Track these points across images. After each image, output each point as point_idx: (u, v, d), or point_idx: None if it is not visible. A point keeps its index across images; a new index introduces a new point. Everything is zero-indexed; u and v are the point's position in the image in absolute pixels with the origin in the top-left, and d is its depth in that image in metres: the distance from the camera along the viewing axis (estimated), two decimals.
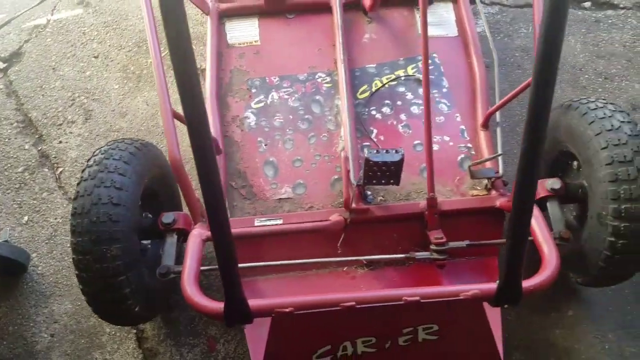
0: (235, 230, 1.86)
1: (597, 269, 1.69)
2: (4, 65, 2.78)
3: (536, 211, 1.72)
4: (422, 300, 1.42)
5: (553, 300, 2.03)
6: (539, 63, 1.08)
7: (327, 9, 2.41)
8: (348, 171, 1.88)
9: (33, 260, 2.21)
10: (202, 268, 1.69)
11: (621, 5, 2.78)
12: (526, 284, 1.47)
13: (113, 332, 2.05)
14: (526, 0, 2.79)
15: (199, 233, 1.76)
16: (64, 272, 2.18)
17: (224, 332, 2.02)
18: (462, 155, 2.08)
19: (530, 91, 1.12)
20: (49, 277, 2.18)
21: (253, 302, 1.46)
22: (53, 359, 2.01)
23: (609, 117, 1.68)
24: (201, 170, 1.17)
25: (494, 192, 1.95)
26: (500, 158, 1.97)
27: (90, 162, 1.72)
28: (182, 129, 1.56)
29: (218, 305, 1.49)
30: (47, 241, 2.25)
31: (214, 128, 2.12)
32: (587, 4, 2.78)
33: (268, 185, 2.06)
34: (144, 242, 1.90)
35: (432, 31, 2.36)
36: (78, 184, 1.67)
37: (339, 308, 1.42)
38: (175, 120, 1.78)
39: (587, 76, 2.54)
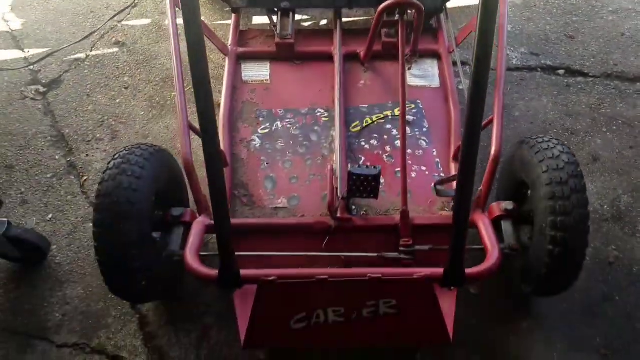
0: (235, 221, 2.17)
1: (540, 275, 1.96)
2: (44, 89, 3.17)
3: (486, 221, 2.03)
4: (382, 278, 1.70)
5: (510, 314, 2.28)
6: (471, 91, 1.43)
7: (330, 58, 2.82)
8: (333, 180, 2.19)
9: (52, 251, 2.48)
10: (201, 253, 1.98)
11: (590, 74, 3.18)
12: (469, 270, 1.76)
13: (118, 316, 2.31)
14: (515, 64, 3.21)
15: (202, 220, 2.07)
16: (80, 263, 2.46)
17: (217, 321, 2.27)
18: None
19: (466, 114, 1.47)
20: (65, 267, 2.45)
21: (243, 271, 1.75)
22: (62, 335, 2.26)
23: (552, 148, 2.01)
24: (208, 157, 1.52)
25: None
26: None
27: (116, 156, 2.03)
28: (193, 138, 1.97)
29: (214, 272, 1.78)
30: (67, 236, 2.54)
31: (223, 145, 2.46)
32: (561, 72, 3.19)
33: (267, 196, 2.37)
34: (154, 233, 2.19)
35: (417, 82, 2.77)
36: (104, 172, 1.97)
37: (314, 280, 1.69)
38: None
39: (555, 130, 2.89)
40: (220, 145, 1.52)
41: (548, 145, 2.04)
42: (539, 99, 3.04)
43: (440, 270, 1.75)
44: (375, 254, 2.07)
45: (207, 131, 1.48)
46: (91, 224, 2.35)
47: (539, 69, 3.20)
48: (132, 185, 1.93)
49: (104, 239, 1.89)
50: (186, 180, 2.17)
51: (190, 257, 1.88)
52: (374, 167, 2.09)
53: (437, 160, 2.48)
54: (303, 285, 1.71)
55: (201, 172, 2.03)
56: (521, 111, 2.98)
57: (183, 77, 2.26)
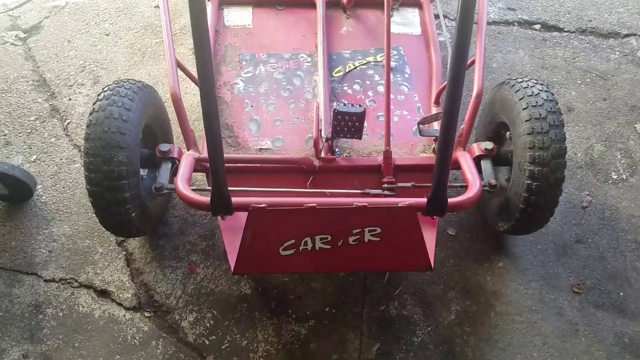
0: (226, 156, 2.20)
1: (518, 211, 2.05)
2: (25, 35, 3.13)
3: (468, 157, 2.11)
4: (369, 206, 1.76)
5: (486, 254, 2.38)
6: (458, 26, 1.49)
7: (312, 5, 2.84)
8: (318, 117, 2.24)
9: (38, 191, 2.50)
10: (192, 188, 2.02)
11: (565, 29, 3.26)
12: (452, 200, 1.84)
13: (105, 253, 2.34)
14: (492, 18, 3.27)
15: (191, 153, 2.11)
16: (65, 202, 2.48)
17: (204, 258, 2.33)
18: (416, 127, 2.46)
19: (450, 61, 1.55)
20: (51, 205, 2.47)
21: (234, 199, 1.80)
22: (50, 270, 2.29)
23: (531, 87, 2.09)
24: (202, 82, 1.54)
25: None
26: None
27: (106, 89, 2.05)
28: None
29: (206, 199, 1.83)
30: (52, 176, 2.56)
31: None
32: (537, 26, 3.26)
33: (251, 137, 2.41)
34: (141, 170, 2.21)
35: (399, 29, 2.81)
36: (94, 103, 1.99)
37: (303, 208, 1.75)
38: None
39: None
40: (213, 73, 1.54)
41: (527, 84, 2.11)
42: (515, 52, 3.11)
43: (423, 201, 1.82)
44: (359, 191, 2.13)
45: (202, 54, 1.50)
46: (76, 165, 2.38)
47: (515, 23, 3.26)
48: (122, 115, 1.95)
49: (95, 169, 1.91)
50: (172, 117, 2.19)
51: (182, 186, 1.92)
52: (359, 106, 2.14)
53: (419, 105, 2.54)
54: (292, 213, 1.77)
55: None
56: (499, 63, 3.05)
57: (169, 13, 2.26)
